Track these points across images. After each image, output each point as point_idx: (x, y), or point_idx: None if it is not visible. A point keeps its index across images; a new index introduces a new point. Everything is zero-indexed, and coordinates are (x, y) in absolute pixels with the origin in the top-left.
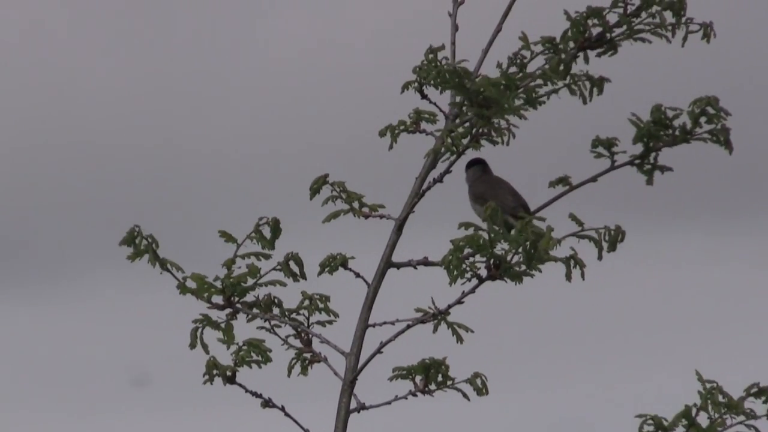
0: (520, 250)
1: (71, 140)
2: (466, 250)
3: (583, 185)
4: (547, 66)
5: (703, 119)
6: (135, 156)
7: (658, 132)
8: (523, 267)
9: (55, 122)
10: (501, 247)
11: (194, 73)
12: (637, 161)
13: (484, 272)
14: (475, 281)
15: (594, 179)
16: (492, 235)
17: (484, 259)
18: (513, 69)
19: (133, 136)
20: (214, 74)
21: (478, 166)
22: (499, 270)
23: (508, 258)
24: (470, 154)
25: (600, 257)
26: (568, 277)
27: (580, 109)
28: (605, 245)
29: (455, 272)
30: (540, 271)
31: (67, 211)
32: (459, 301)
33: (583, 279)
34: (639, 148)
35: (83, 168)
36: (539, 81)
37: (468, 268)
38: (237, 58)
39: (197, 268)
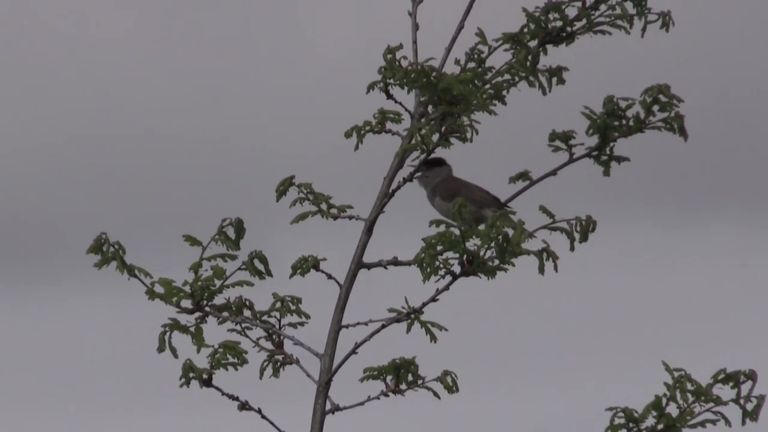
0: (492, 244)
1: (66, 138)
2: (439, 247)
3: (544, 179)
4: (514, 60)
5: (656, 108)
6: (107, 154)
7: (612, 123)
8: (497, 262)
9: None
10: (473, 243)
11: (163, 72)
12: (594, 153)
13: (457, 269)
14: (448, 278)
15: (554, 173)
16: (463, 230)
17: (457, 255)
18: (471, 64)
19: (105, 133)
20: (181, 75)
21: (446, 166)
22: (473, 265)
23: (481, 253)
24: (438, 153)
25: (572, 248)
26: (541, 270)
27: (539, 101)
28: (577, 236)
29: (428, 270)
30: (513, 265)
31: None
32: (433, 299)
33: (557, 271)
34: (596, 140)
35: (67, 167)
36: (506, 76)
37: (441, 265)
38: (206, 61)
39: (171, 272)
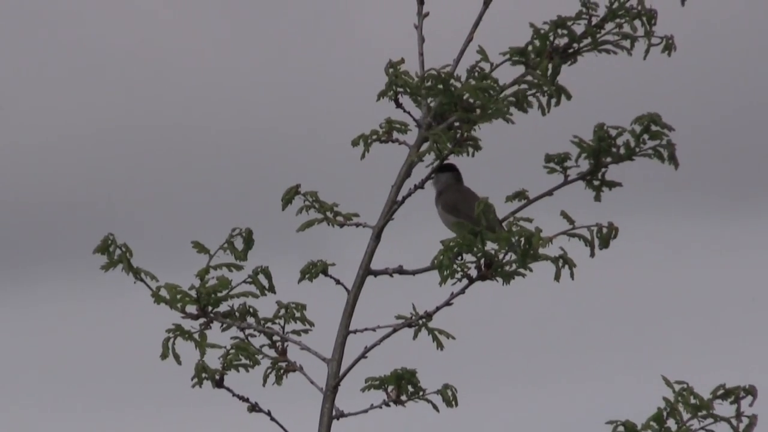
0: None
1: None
2: (456, 251)
3: (540, 199)
4: (537, 71)
5: (646, 136)
6: (109, 157)
7: (605, 147)
8: (514, 266)
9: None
10: (491, 247)
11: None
12: (587, 177)
13: (474, 272)
14: (465, 281)
15: (550, 193)
16: (484, 232)
17: (474, 259)
18: (472, 82)
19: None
20: (198, 79)
21: (452, 173)
22: (491, 269)
23: (500, 257)
24: (449, 160)
25: (592, 255)
26: (557, 278)
27: (537, 119)
28: (597, 242)
29: (446, 273)
30: (531, 270)
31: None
32: (448, 303)
33: (573, 279)
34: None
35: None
36: (523, 85)
37: (458, 269)
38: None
39: (178, 276)
